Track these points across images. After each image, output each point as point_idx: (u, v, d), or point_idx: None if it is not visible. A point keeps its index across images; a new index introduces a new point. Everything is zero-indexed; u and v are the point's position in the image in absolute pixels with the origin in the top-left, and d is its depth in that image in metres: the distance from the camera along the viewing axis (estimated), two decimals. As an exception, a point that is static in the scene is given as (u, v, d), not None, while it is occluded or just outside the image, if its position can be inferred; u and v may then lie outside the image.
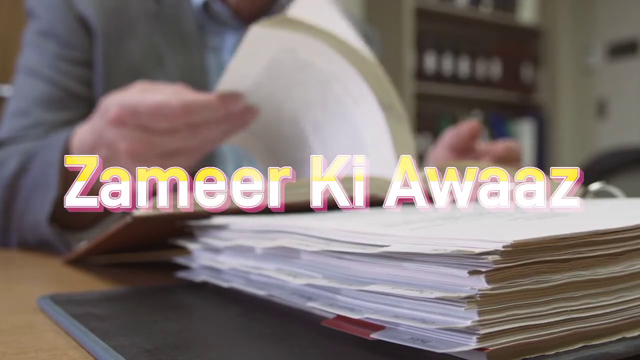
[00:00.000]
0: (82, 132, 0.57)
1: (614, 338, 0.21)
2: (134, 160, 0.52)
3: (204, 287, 0.36)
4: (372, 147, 0.51)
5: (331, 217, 0.33)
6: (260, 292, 0.30)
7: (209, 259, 0.37)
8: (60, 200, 0.57)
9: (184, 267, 0.40)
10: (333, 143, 0.56)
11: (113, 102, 0.52)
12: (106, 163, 0.54)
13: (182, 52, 0.77)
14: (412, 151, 0.49)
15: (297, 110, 0.57)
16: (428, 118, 2.92)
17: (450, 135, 0.70)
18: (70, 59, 0.74)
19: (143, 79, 0.74)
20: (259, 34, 0.49)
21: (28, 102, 0.72)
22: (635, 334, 0.22)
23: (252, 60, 0.53)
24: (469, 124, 0.68)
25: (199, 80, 0.77)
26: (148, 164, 0.52)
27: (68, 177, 0.57)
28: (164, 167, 0.53)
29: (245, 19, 0.82)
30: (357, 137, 0.53)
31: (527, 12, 3.24)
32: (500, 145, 0.69)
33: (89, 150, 0.55)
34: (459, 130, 0.68)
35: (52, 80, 0.73)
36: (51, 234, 0.56)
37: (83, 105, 0.73)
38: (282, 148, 0.62)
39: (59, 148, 0.57)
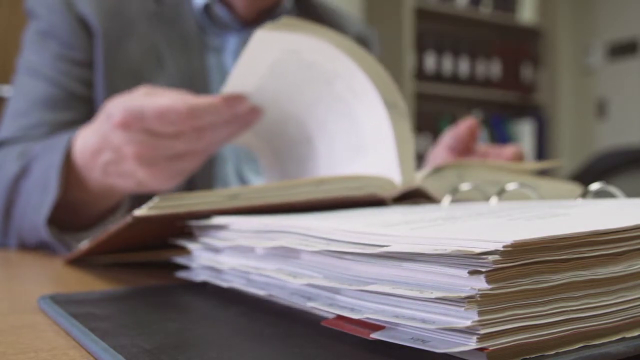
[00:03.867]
0: (85, 134, 0.57)
1: (614, 338, 0.21)
2: (140, 163, 0.52)
3: (204, 287, 0.36)
4: (373, 145, 0.51)
5: (331, 217, 0.33)
6: (261, 292, 0.30)
7: (209, 259, 0.37)
8: (60, 202, 0.57)
9: (184, 267, 0.40)
10: (336, 142, 0.56)
11: (118, 106, 0.52)
12: (111, 166, 0.54)
13: (183, 53, 0.77)
14: (412, 149, 0.49)
15: (302, 109, 0.57)
16: (428, 118, 2.92)
17: (449, 136, 0.70)
18: (70, 59, 0.74)
19: (143, 79, 0.74)
20: (264, 37, 0.50)
21: (28, 102, 0.72)
22: (635, 334, 0.22)
23: (256, 62, 0.53)
24: (467, 123, 0.68)
25: (200, 81, 0.77)
26: (154, 167, 0.52)
27: (69, 179, 0.57)
28: (170, 170, 0.54)
29: (247, 21, 0.82)
30: (359, 135, 0.53)
31: (527, 12, 3.24)
32: (510, 150, 0.68)
33: (92, 154, 0.55)
34: (458, 131, 0.68)
35: (52, 80, 0.73)
36: (50, 236, 0.56)
37: (83, 105, 0.73)
38: (286, 147, 0.62)
39: (61, 150, 0.57)
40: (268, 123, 0.58)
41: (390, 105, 0.48)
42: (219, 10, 0.79)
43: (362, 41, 0.94)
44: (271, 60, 0.53)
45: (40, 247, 0.60)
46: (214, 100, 0.52)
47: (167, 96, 0.52)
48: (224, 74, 0.81)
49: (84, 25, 0.74)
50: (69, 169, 0.57)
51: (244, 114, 0.54)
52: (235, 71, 0.53)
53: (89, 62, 0.74)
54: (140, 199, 0.64)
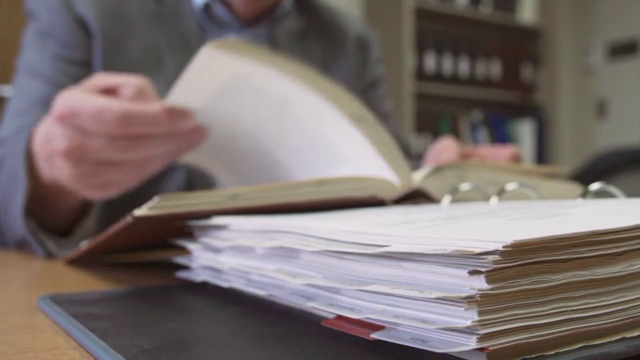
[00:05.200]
0: (42, 124, 0.55)
1: (614, 338, 0.21)
2: (67, 160, 0.50)
3: (204, 287, 0.36)
4: (354, 158, 0.51)
5: (331, 217, 0.33)
6: (261, 292, 0.30)
7: (209, 259, 0.37)
8: (32, 194, 0.56)
9: (184, 267, 0.40)
10: (305, 154, 0.54)
11: (61, 98, 0.50)
12: (48, 160, 0.53)
13: (182, 53, 0.77)
14: (397, 152, 0.48)
15: (252, 127, 0.54)
16: (428, 118, 2.92)
17: (433, 157, 0.70)
18: (69, 60, 0.74)
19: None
20: (210, 54, 0.47)
21: (27, 102, 0.72)
22: (635, 334, 0.22)
23: (204, 79, 0.50)
24: (445, 146, 0.69)
25: None
26: (80, 167, 0.50)
27: (33, 168, 0.56)
28: (97, 176, 0.51)
29: (246, 21, 0.82)
30: (332, 153, 0.52)
31: (527, 12, 3.24)
32: (506, 152, 0.68)
33: (41, 142, 0.54)
34: (438, 154, 0.69)
35: (51, 80, 0.73)
36: (25, 228, 0.55)
37: None
38: (239, 159, 0.60)
39: (24, 140, 0.56)
40: (216, 140, 0.55)
41: (358, 120, 0.47)
42: (219, 10, 0.79)
43: (362, 41, 0.94)
44: (220, 82, 0.50)
45: (21, 245, 0.59)
46: (154, 110, 0.49)
47: (109, 94, 0.50)
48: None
49: (83, 26, 0.74)
50: (31, 158, 0.56)
51: (186, 131, 0.51)
52: (180, 84, 0.50)
53: (88, 62, 0.75)
54: (111, 214, 0.63)
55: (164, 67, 0.76)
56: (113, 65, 0.74)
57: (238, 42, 0.46)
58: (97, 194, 0.53)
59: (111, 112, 0.47)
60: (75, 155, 0.50)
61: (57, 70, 0.74)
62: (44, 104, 0.71)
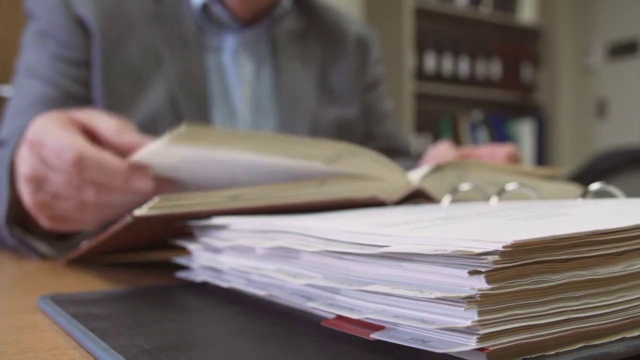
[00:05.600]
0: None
1: (614, 338, 0.21)
2: (28, 186, 0.51)
3: (204, 287, 0.36)
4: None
5: (331, 217, 0.33)
6: (261, 292, 0.30)
7: (209, 259, 0.37)
8: (16, 202, 0.56)
9: (184, 267, 0.40)
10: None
11: (35, 124, 0.51)
12: (19, 178, 0.53)
13: (181, 53, 0.77)
14: (386, 161, 0.47)
15: (227, 179, 0.50)
16: (428, 118, 2.92)
17: (430, 161, 0.70)
18: (68, 60, 0.74)
19: (141, 79, 0.74)
20: (165, 147, 0.43)
21: (26, 102, 0.72)
22: (635, 334, 0.22)
23: (166, 155, 0.46)
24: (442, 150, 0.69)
25: (198, 81, 0.77)
26: (39, 196, 0.50)
27: (14, 180, 0.56)
28: (54, 208, 0.51)
29: (245, 21, 0.82)
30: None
31: (527, 12, 3.24)
32: (503, 151, 0.68)
33: (19, 160, 0.53)
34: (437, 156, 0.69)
35: (51, 80, 0.73)
36: (8, 234, 0.55)
37: (80, 105, 0.73)
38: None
39: (10, 150, 0.56)
40: (192, 185, 0.52)
41: (334, 160, 0.45)
42: (217, 10, 0.79)
43: (362, 41, 0.94)
44: (182, 156, 0.46)
45: (11, 247, 0.59)
46: (111, 162, 0.47)
47: (79, 132, 0.49)
48: (222, 74, 0.81)
49: (82, 26, 0.74)
50: (13, 168, 0.56)
51: (144, 189, 0.48)
52: (146, 149, 0.47)
53: (87, 63, 0.75)
54: None
55: (164, 67, 0.76)
56: (112, 65, 0.74)
57: (189, 132, 0.41)
58: (55, 226, 0.53)
59: (69, 151, 0.47)
60: (35, 182, 0.50)
61: (56, 70, 0.74)
62: (43, 104, 0.71)
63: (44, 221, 0.53)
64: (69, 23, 0.74)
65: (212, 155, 0.42)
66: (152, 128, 0.73)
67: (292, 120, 0.82)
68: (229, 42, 0.81)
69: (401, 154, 0.94)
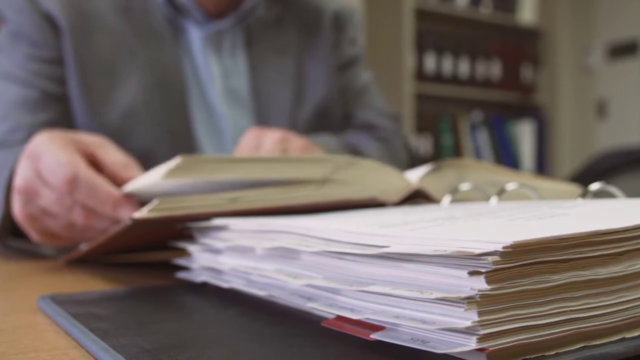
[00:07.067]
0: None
1: (614, 338, 0.21)
2: (19, 197, 0.51)
3: (204, 287, 0.36)
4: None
5: (331, 218, 0.33)
6: (261, 293, 0.30)
7: (209, 260, 0.37)
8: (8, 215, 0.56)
9: (184, 268, 0.40)
10: None
11: (38, 137, 0.52)
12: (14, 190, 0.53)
13: (154, 47, 0.76)
14: (382, 166, 0.46)
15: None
16: (428, 118, 2.92)
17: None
18: (41, 59, 0.73)
19: (115, 72, 0.73)
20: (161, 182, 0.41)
21: (6, 107, 0.71)
22: (635, 334, 0.22)
23: (159, 187, 0.44)
24: None
25: (173, 71, 0.76)
26: (29, 209, 0.51)
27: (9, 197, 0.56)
28: (42, 223, 0.51)
29: (211, 13, 0.80)
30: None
31: (527, 13, 3.24)
32: (273, 137, 0.63)
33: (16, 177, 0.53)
34: None
35: (25, 81, 0.72)
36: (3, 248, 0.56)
37: (59, 104, 0.73)
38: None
39: (8, 168, 0.56)
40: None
41: (326, 181, 0.43)
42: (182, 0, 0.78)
43: (338, 20, 0.91)
44: (176, 186, 0.43)
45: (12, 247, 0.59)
46: (102, 188, 0.47)
47: (78, 154, 0.49)
48: (194, 66, 0.80)
49: (50, 22, 0.73)
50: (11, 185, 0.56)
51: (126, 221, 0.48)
52: (141, 179, 0.46)
53: (60, 60, 0.74)
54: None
55: (137, 59, 0.74)
56: (84, 61, 0.73)
57: (189, 162, 0.40)
58: (42, 240, 0.53)
59: (65, 169, 0.48)
60: (27, 195, 0.50)
61: (30, 71, 0.73)
62: (23, 106, 0.71)
63: (32, 234, 0.53)
64: (38, 21, 0.73)
65: (208, 180, 0.42)
66: (128, 123, 0.73)
67: (268, 122, 0.80)
68: (195, 35, 0.80)
69: (374, 131, 0.90)
